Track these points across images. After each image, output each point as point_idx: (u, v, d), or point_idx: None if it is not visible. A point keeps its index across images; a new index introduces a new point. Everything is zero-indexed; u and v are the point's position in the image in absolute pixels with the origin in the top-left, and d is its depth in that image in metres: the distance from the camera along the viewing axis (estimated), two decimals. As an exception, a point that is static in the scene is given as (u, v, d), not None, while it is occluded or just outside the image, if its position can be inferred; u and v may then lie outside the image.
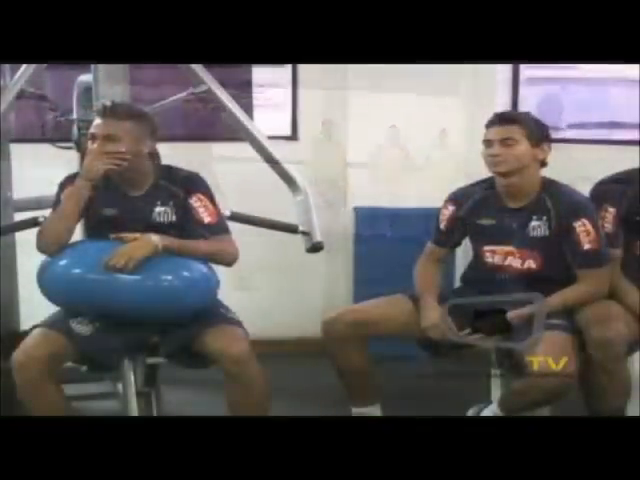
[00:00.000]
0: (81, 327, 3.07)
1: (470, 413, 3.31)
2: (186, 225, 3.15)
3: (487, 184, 3.34)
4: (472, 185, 3.41)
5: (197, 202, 3.14)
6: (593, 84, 5.05)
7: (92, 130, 3.13)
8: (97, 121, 3.12)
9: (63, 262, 3.06)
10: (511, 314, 3.10)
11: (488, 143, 3.22)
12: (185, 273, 3.05)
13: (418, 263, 3.47)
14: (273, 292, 4.88)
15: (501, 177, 3.22)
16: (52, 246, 3.07)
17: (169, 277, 3.03)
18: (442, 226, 3.41)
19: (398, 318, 3.31)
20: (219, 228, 3.17)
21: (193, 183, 3.18)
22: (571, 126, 4.99)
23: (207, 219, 3.14)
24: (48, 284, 3.08)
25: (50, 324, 3.08)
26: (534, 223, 3.22)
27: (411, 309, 3.31)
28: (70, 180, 3.15)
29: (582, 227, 3.15)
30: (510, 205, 3.27)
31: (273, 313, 4.81)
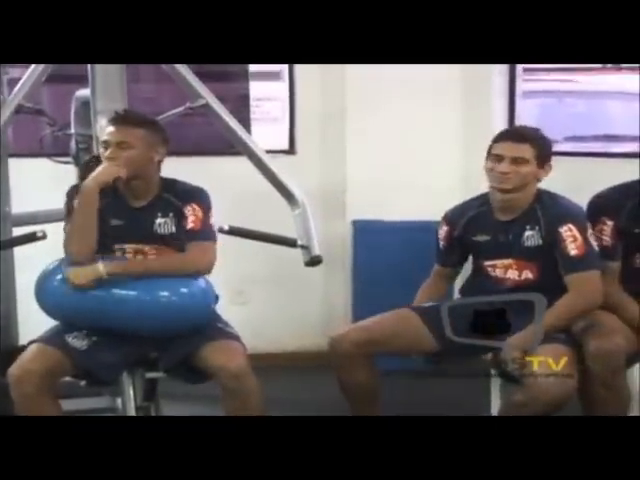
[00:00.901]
0: (77, 342, 3.06)
1: None
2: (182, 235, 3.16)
3: (481, 200, 3.34)
4: (465, 203, 3.41)
5: (189, 211, 3.14)
6: (590, 97, 5.07)
7: (105, 137, 3.15)
8: (110, 128, 3.14)
9: (60, 276, 3.06)
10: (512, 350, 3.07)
11: (497, 158, 3.19)
12: (183, 289, 3.05)
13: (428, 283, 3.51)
14: (271, 306, 4.88)
15: (501, 193, 3.21)
16: (84, 257, 3.06)
17: (166, 293, 3.04)
18: (441, 246, 3.43)
19: (406, 335, 3.28)
20: (198, 235, 3.13)
21: (192, 195, 3.18)
22: (567, 139, 5.00)
23: (190, 225, 3.13)
24: (46, 298, 3.09)
25: (46, 339, 3.08)
26: (527, 233, 3.22)
27: (418, 323, 3.29)
28: (76, 190, 3.16)
29: (568, 232, 3.16)
30: (503, 218, 3.27)
31: (271, 327, 4.81)
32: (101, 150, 3.16)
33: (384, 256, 4.62)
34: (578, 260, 3.16)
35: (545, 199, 3.26)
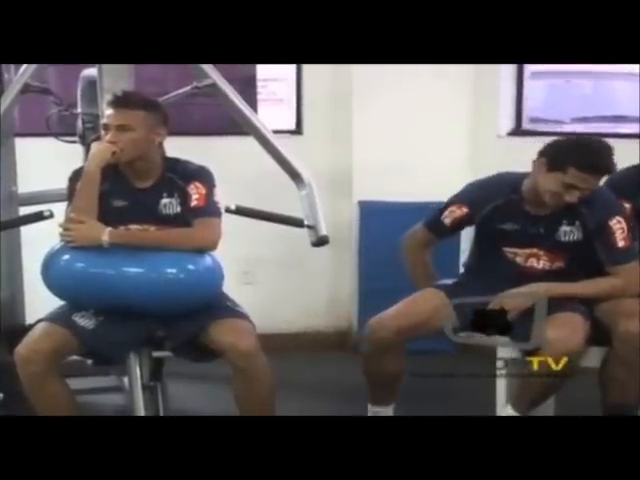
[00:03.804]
0: (84, 321, 3.06)
1: None
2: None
3: (510, 188, 3.25)
4: (489, 186, 3.32)
5: (193, 189, 3.13)
6: (597, 78, 5.06)
7: (105, 120, 3.14)
8: (109, 111, 3.12)
9: (67, 256, 3.06)
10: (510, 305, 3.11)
11: (565, 185, 3.08)
12: (190, 266, 3.05)
13: (408, 249, 3.49)
14: (277, 286, 4.88)
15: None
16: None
17: (174, 270, 3.03)
18: (447, 221, 3.36)
19: (436, 316, 3.22)
20: (203, 211, 3.12)
21: (195, 174, 3.17)
22: (575, 120, 4.99)
23: (194, 203, 3.12)
24: (52, 277, 3.08)
25: (53, 318, 3.07)
26: (565, 228, 3.19)
27: (445, 301, 3.24)
28: (79, 174, 3.16)
29: (617, 225, 3.14)
30: (534, 212, 3.21)
31: (277, 307, 4.81)
32: (102, 133, 3.16)
33: (390, 237, 4.58)
34: (625, 252, 3.16)
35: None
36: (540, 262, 3.24)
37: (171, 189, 3.15)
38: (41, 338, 3.00)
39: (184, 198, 3.13)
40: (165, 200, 3.15)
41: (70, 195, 3.15)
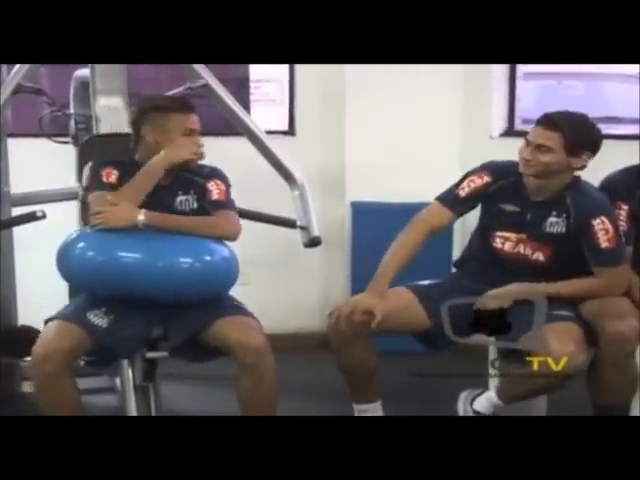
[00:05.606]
0: (98, 319, 3.03)
1: (462, 397, 3.25)
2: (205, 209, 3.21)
3: (517, 169, 3.24)
4: (508, 164, 3.30)
5: (213, 186, 3.21)
6: (589, 79, 5.07)
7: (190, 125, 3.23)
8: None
9: (82, 244, 3.04)
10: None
11: (526, 142, 3.15)
12: (206, 257, 3.06)
13: (417, 225, 3.40)
14: (270, 287, 4.87)
15: (528, 176, 3.18)
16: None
17: (189, 259, 3.03)
18: (462, 193, 3.30)
19: (403, 314, 3.24)
20: (222, 205, 3.20)
21: (214, 173, 3.27)
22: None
23: (215, 197, 3.20)
24: (67, 266, 3.05)
25: (66, 317, 3.04)
26: (552, 219, 3.19)
27: (414, 302, 3.26)
28: (104, 165, 3.16)
29: (600, 225, 3.13)
30: (531, 196, 3.22)
31: (270, 308, 4.79)
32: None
33: (383, 237, 4.60)
34: (609, 253, 3.14)
35: (576, 187, 3.20)
36: (523, 250, 3.24)
37: (187, 187, 3.21)
38: (58, 337, 2.96)
39: (202, 194, 3.20)
40: (181, 197, 3.20)
41: (90, 184, 3.15)
